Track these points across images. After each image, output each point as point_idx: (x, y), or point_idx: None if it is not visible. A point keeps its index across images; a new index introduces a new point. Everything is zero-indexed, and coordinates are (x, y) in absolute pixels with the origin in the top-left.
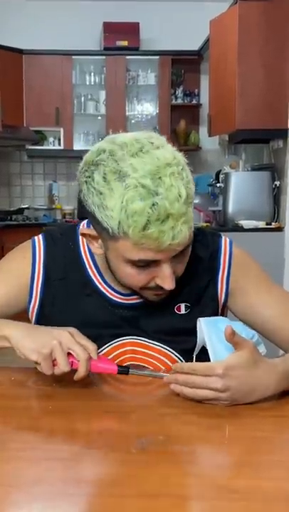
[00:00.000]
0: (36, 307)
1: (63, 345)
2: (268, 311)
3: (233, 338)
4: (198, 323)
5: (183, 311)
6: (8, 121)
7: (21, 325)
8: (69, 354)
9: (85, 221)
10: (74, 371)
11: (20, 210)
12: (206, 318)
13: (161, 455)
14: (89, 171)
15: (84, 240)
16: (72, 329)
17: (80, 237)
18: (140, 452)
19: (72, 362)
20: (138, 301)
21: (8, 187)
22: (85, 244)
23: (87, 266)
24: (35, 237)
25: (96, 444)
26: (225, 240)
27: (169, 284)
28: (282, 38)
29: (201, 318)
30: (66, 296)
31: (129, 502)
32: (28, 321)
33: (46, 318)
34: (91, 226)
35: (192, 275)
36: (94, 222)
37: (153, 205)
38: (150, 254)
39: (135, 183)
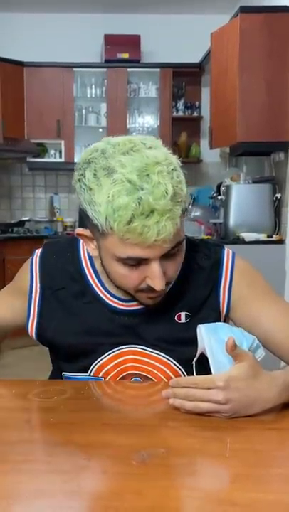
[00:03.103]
0: (35, 321)
1: None
2: (271, 323)
3: (234, 351)
4: (198, 329)
5: (183, 319)
6: (9, 133)
7: None
8: None
9: None
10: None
11: (22, 223)
12: (206, 324)
13: (162, 468)
14: (82, 169)
15: (84, 248)
16: None
17: (81, 246)
18: (141, 465)
19: None
20: (138, 307)
21: (9, 199)
22: (86, 252)
23: (87, 273)
24: (35, 251)
25: (96, 457)
26: (227, 251)
27: (158, 283)
28: (284, 50)
29: (201, 325)
30: (66, 306)
31: None
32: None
33: (46, 330)
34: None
35: (193, 284)
36: (87, 220)
37: (138, 199)
38: (137, 251)
39: (122, 178)
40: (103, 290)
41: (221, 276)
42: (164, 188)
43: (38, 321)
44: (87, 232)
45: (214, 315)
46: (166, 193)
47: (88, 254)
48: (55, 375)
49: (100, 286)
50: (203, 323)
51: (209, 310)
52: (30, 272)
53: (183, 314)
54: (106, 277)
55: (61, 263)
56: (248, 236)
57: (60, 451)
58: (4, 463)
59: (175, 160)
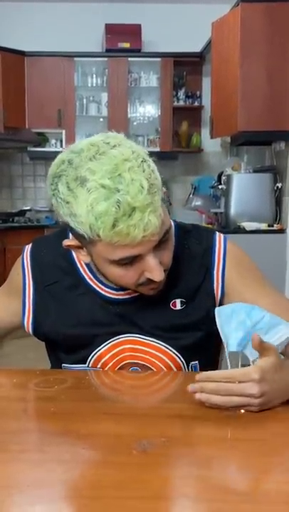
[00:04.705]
0: (31, 317)
1: None
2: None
3: (260, 345)
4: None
5: (178, 306)
6: (10, 123)
7: None
8: None
9: None
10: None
11: (22, 212)
12: (221, 308)
13: (163, 457)
14: (54, 183)
15: None
16: None
17: (71, 238)
18: (141, 454)
19: None
20: (132, 296)
21: (9, 189)
22: None
23: (79, 265)
24: (25, 248)
25: (97, 446)
26: (219, 236)
27: (157, 274)
28: (285, 40)
29: (216, 309)
30: (60, 300)
31: (130, 504)
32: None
33: (42, 324)
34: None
35: (186, 271)
36: (72, 231)
37: (116, 202)
38: (128, 250)
39: (95, 185)
40: (96, 281)
41: (214, 262)
42: (138, 183)
43: (34, 316)
44: (74, 241)
45: (209, 300)
46: (142, 187)
47: None
48: (54, 367)
49: (92, 278)
50: (198, 309)
51: (204, 295)
52: (22, 268)
53: (178, 301)
54: (98, 272)
55: (52, 257)
56: (248, 225)
57: (61, 441)
58: (4, 452)
59: (142, 151)
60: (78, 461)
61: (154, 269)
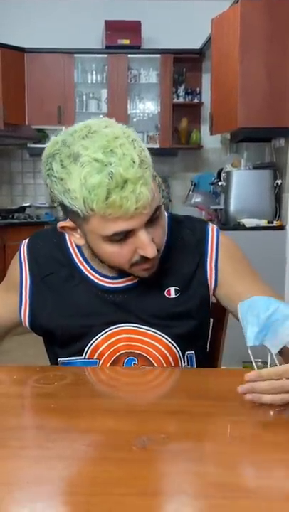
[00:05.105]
0: (28, 309)
1: None
2: None
3: None
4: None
5: (173, 295)
6: (10, 119)
7: None
8: None
9: None
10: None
11: (22, 209)
12: (243, 302)
13: (163, 453)
14: (48, 163)
15: None
16: None
17: None
18: (141, 450)
19: None
20: (127, 284)
21: (9, 185)
22: None
23: (74, 256)
24: (22, 242)
25: (97, 443)
26: (212, 227)
27: (149, 251)
28: (285, 36)
29: (239, 304)
30: (56, 291)
31: (130, 500)
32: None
33: (39, 317)
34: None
35: (180, 260)
36: (66, 211)
37: (109, 174)
38: (121, 224)
39: (88, 160)
40: (91, 270)
41: (207, 252)
42: (130, 157)
43: (31, 308)
44: (69, 223)
45: (203, 289)
46: (134, 161)
47: None
48: (53, 363)
49: (87, 267)
50: (192, 298)
51: (198, 285)
52: (19, 262)
53: (172, 289)
54: (94, 260)
55: (48, 249)
56: (248, 222)
57: (61, 437)
58: (4, 449)
59: (133, 133)
60: (78, 458)
61: (147, 245)
